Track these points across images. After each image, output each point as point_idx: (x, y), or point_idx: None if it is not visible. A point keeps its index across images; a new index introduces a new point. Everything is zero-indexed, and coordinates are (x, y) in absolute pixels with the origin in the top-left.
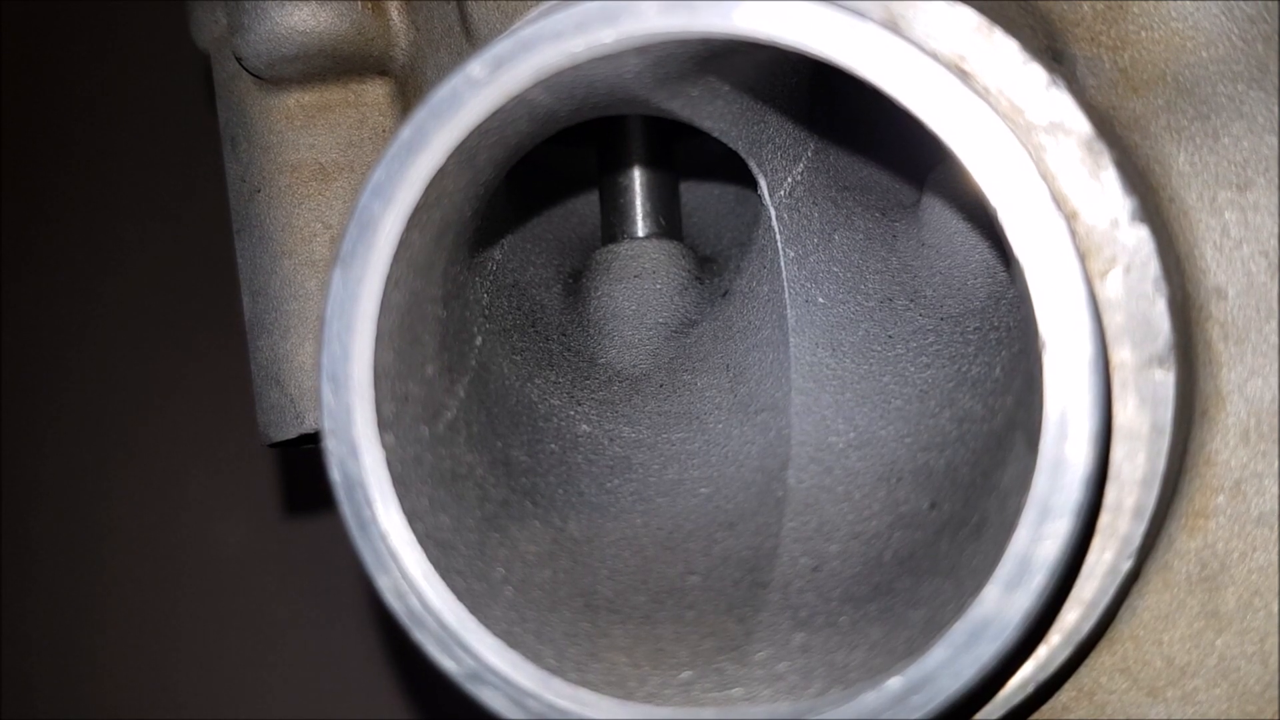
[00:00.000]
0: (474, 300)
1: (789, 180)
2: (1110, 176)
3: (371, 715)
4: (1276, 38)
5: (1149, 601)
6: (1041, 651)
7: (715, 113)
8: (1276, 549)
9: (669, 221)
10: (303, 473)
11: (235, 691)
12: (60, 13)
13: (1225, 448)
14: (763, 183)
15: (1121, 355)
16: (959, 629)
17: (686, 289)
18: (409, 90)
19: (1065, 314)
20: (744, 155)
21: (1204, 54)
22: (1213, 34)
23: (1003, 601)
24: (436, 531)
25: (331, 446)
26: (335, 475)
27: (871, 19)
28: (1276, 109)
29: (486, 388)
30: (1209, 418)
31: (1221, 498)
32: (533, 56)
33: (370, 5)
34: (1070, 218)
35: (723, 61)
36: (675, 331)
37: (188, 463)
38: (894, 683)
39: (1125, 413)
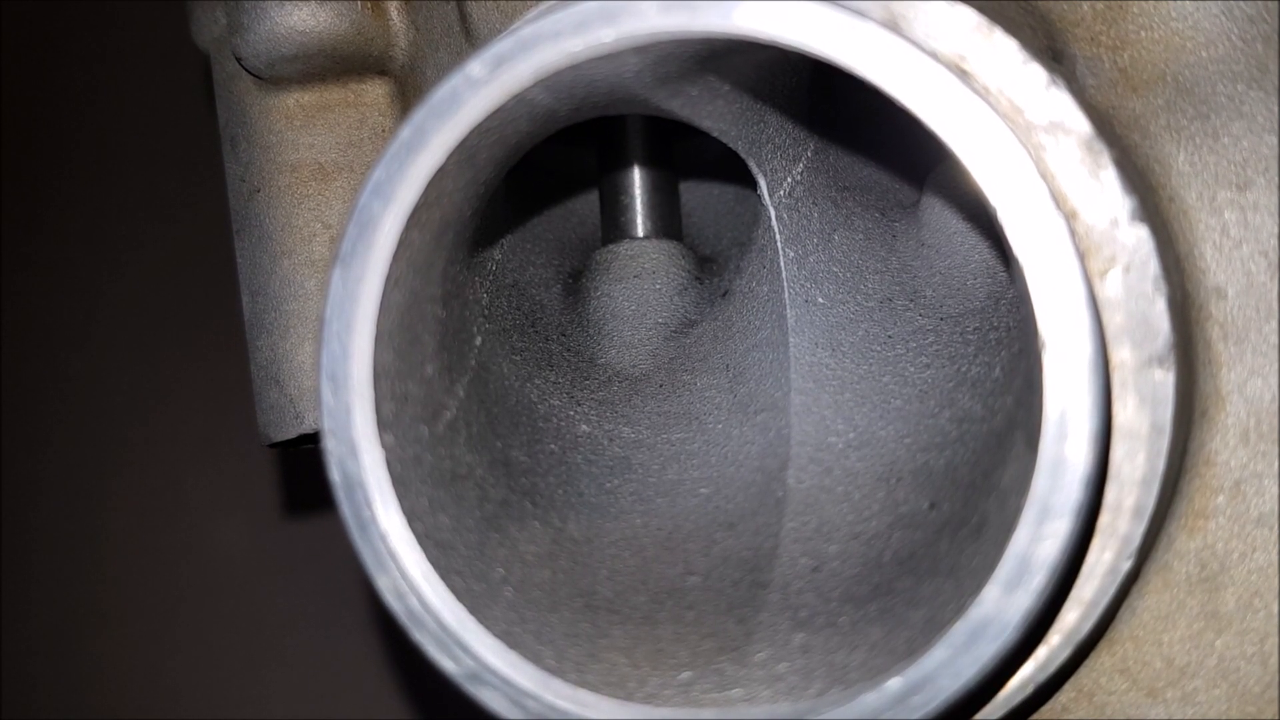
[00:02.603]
0: (473, 300)
1: (789, 180)
2: (1110, 176)
3: (371, 716)
4: (1276, 38)
5: (1149, 602)
6: (1041, 652)
7: (715, 112)
8: (1276, 549)
9: (668, 222)
10: (302, 473)
11: (235, 691)
12: (60, 13)
13: (1225, 448)
14: (762, 183)
15: (1121, 355)
16: (959, 629)
17: (686, 289)
18: (409, 90)
19: (1065, 314)
20: (743, 155)
21: (1204, 54)
22: (1212, 34)
23: (1003, 602)
24: (436, 532)
25: (331, 446)
26: (335, 475)
27: (872, 18)
28: (1276, 109)
29: (486, 388)
30: (1209, 418)
31: (1221, 498)
32: (532, 56)
33: (370, 5)
34: (1070, 217)
35: (722, 61)
36: (675, 332)
37: (188, 463)
38: (894, 683)
39: (1125, 412)
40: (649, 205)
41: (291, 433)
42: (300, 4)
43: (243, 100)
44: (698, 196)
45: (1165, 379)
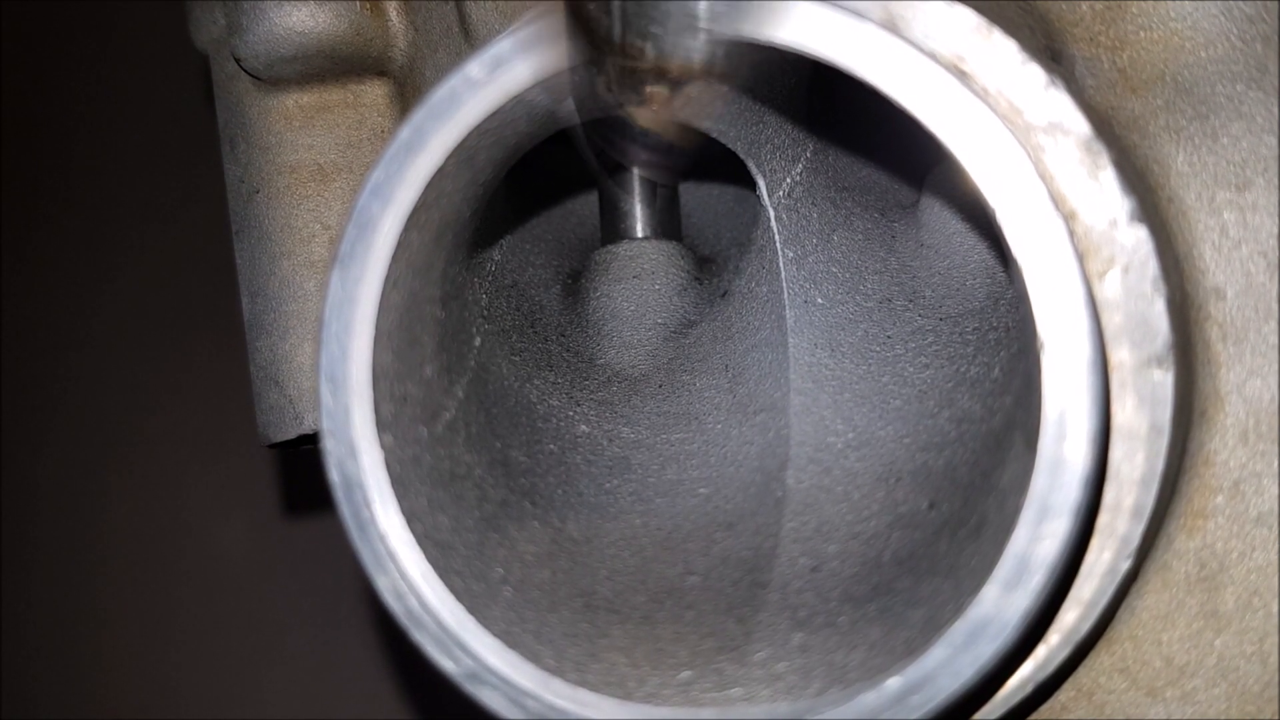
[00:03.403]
0: (473, 301)
1: (788, 181)
2: (1109, 176)
3: (371, 715)
4: (1275, 38)
5: (1148, 601)
6: (1040, 651)
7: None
8: (1275, 549)
9: (668, 222)
10: (302, 473)
11: (235, 691)
12: (60, 13)
13: (1224, 448)
14: (761, 183)
15: (1120, 355)
16: (958, 629)
17: (685, 290)
18: (408, 91)
19: (1064, 314)
20: (743, 156)
21: (1203, 54)
22: (1212, 34)
23: (1002, 601)
24: (435, 532)
25: (330, 447)
26: (334, 476)
27: (870, 19)
28: (1275, 109)
29: (485, 388)
30: (1208, 418)
31: (1220, 498)
32: (532, 57)
33: (368, 6)
34: (1069, 218)
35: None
36: (674, 332)
37: (188, 463)
38: (893, 683)
39: (1124, 413)
40: (648, 206)
41: (291, 433)
42: (299, 5)
43: (242, 101)
44: (698, 197)
45: (1164, 379)
